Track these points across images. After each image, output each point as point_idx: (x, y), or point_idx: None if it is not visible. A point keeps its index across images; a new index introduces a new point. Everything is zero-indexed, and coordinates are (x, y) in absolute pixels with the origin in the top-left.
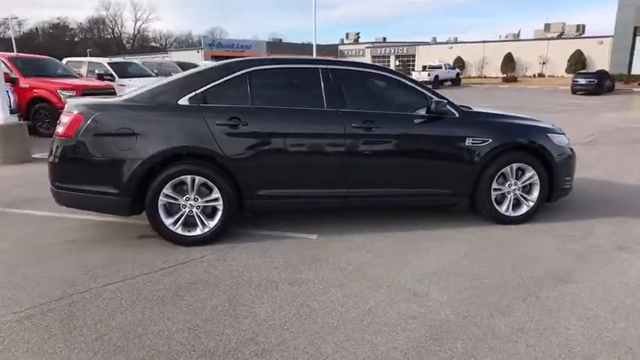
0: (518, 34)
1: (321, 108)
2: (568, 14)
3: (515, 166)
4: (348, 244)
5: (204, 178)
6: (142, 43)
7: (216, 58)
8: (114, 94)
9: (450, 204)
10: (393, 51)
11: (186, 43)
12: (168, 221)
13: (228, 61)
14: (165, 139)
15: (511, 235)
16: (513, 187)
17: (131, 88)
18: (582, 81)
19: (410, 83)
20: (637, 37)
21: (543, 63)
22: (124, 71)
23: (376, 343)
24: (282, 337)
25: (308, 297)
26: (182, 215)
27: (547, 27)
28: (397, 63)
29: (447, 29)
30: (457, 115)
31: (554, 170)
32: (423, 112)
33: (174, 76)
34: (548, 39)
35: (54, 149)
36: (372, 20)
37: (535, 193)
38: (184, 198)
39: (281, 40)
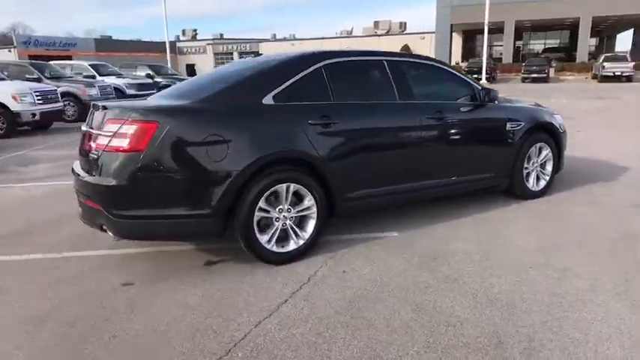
0: (351, 31)
1: (394, 101)
2: (393, 12)
3: (538, 145)
4: (436, 236)
5: (298, 185)
6: None
7: (33, 57)
8: None
9: (495, 186)
10: (235, 47)
11: None
12: (263, 239)
13: (299, 53)
14: (260, 144)
15: (548, 208)
16: (536, 165)
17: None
18: None
19: (456, 73)
20: (453, 34)
21: None
22: None
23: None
24: (523, 332)
25: (484, 291)
26: (276, 230)
27: (376, 24)
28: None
29: (283, 26)
30: (497, 101)
31: (561, 146)
32: (470, 100)
33: (234, 72)
34: (379, 35)
35: (112, 168)
36: (205, 16)
37: (549, 168)
38: (277, 210)
39: (110, 37)
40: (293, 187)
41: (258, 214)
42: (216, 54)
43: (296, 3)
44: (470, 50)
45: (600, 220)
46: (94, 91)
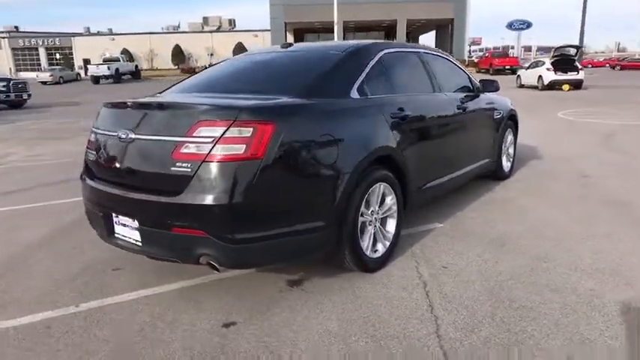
0: (178, 27)
1: (432, 91)
2: (221, 8)
3: (507, 130)
4: (475, 222)
5: (385, 184)
6: None
7: None
8: None
9: (490, 170)
10: (41, 42)
11: None
12: (364, 245)
13: (358, 43)
14: (363, 142)
15: (526, 185)
16: (506, 149)
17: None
18: None
19: (459, 65)
20: (287, 32)
21: (211, 54)
22: None
23: None
24: None
25: (580, 263)
26: (370, 235)
27: (206, 20)
28: (58, 56)
29: (98, 18)
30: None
31: (518, 131)
32: (468, 91)
33: (293, 63)
34: (211, 31)
35: (223, 183)
36: None
37: (511, 151)
38: (370, 212)
39: None
40: (382, 186)
41: (360, 219)
42: (14, 49)
43: None
44: None
45: (578, 190)
46: None
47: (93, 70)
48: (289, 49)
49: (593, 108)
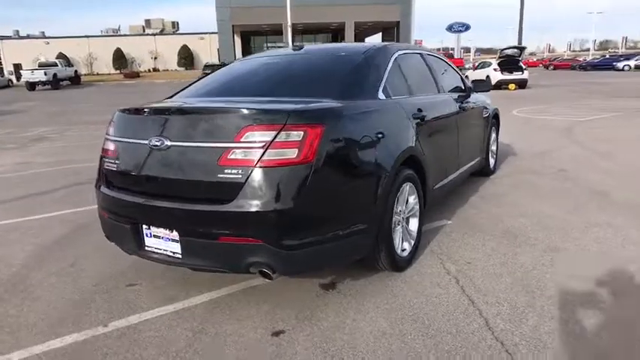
0: (119, 30)
1: (438, 92)
2: (161, 11)
3: (493, 128)
4: (480, 218)
5: (411, 183)
6: None
7: None
8: None
9: (480, 167)
10: None
11: None
12: (395, 244)
13: (375, 45)
14: (395, 142)
15: (512, 181)
16: (490, 146)
17: None
18: None
19: (451, 64)
20: (235, 35)
21: (155, 58)
22: None
23: None
24: None
25: (592, 251)
26: (400, 234)
27: (148, 23)
28: None
29: (29, 21)
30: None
31: (499, 128)
32: (460, 91)
33: (314, 65)
34: (154, 34)
35: (277, 188)
36: None
37: (494, 148)
38: (399, 211)
39: None
40: (408, 186)
41: (393, 219)
42: None
43: None
44: (249, 51)
45: (561, 184)
46: None
47: (27, 75)
48: (302, 51)
49: (542, 106)
